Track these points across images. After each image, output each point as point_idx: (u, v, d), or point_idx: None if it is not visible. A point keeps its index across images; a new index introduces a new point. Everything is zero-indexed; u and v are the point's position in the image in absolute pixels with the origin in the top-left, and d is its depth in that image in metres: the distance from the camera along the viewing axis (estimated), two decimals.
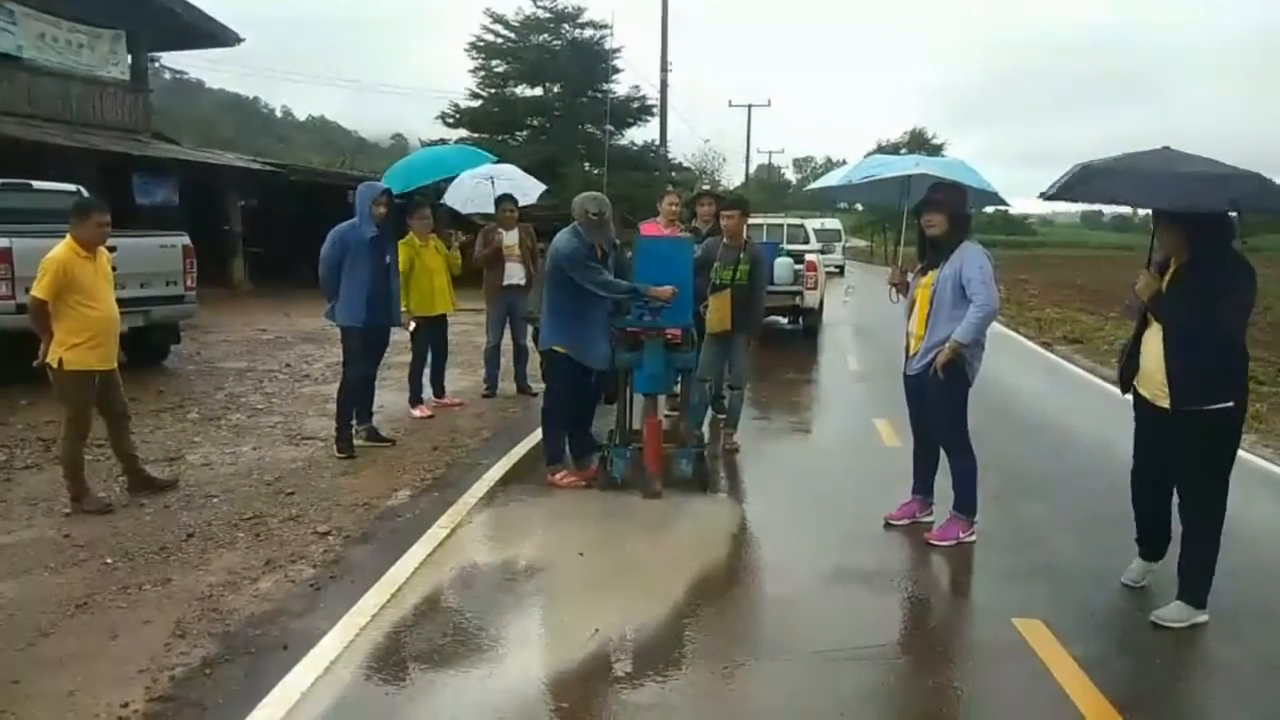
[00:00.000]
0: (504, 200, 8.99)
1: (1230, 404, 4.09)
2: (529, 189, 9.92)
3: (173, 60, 39.98)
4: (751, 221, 8.04)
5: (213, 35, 20.88)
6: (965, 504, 5.24)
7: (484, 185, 9.38)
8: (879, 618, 4.35)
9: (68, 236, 5.33)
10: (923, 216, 5.15)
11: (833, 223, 36.70)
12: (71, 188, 9.67)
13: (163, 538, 5.03)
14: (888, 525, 5.51)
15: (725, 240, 7.01)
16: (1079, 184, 4.25)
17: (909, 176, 5.71)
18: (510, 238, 8.89)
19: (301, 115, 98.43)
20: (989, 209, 6.41)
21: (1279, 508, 6.22)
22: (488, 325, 9.20)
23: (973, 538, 5.23)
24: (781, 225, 18.69)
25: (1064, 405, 10.35)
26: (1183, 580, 4.25)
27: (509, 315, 9.05)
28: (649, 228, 7.97)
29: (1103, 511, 5.94)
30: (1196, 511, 4.24)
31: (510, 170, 10.14)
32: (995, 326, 5.38)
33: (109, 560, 4.70)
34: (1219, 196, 3.94)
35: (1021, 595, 4.57)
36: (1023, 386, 11.16)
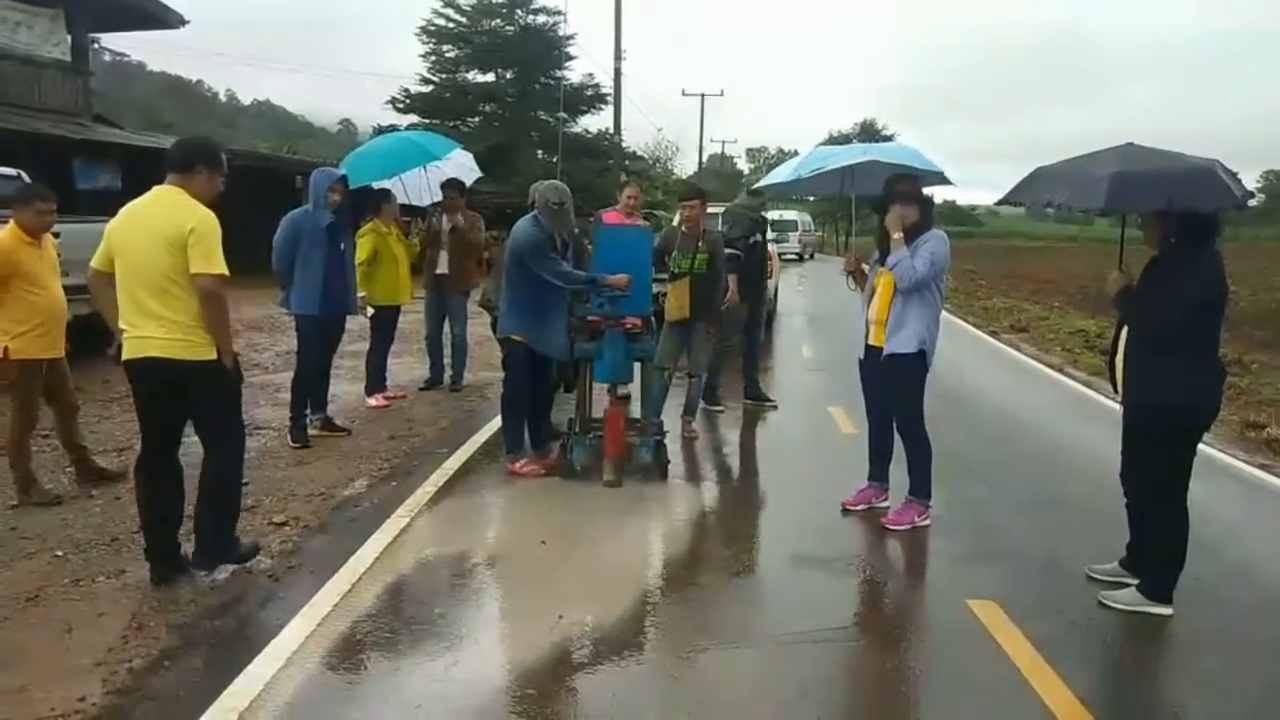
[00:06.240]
0: (448, 186, 8.67)
1: (1182, 402, 4.09)
2: (469, 164, 9.37)
3: (113, 42, 38.93)
4: (708, 210, 8.07)
5: (155, 16, 20.34)
6: (920, 488, 5.34)
7: (421, 175, 8.98)
8: (838, 602, 4.41)
9: (11, 222, 5.20)
10: (896, 208, 5.13)
11: (791, 214, 36.88)
12: (12, 172, 9.37)
13: (114, 529, 4.94)
14: (845, 511, 5.59)
15: (683, 229, 7.04)
16: (1024, 189, 4.39)
17: (851, 167, 5.70)
18: (445, 224, 8.68)
19: (246, 99, 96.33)
20: (938, 199, 6.38)
21: (1236, 500, 6.34)
22: (425, 315, 9.08)
23: (927, 521, 5.33)
24: None
25: (1010, 391, 10.62)
26: (1143, 570, 4.36)
27: (441, 304, 8.86)
28: (610, 216, 7.96)
29: (1046, 494, 6.14)
30: (1153, 507, 4.32)
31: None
32: (944, 315, 5.46)
33: (60, 552, 4.60)
34: (1156, 195, 3.99)
35: (975, 577, 4.68)
36: (971, 374, 11.36)
